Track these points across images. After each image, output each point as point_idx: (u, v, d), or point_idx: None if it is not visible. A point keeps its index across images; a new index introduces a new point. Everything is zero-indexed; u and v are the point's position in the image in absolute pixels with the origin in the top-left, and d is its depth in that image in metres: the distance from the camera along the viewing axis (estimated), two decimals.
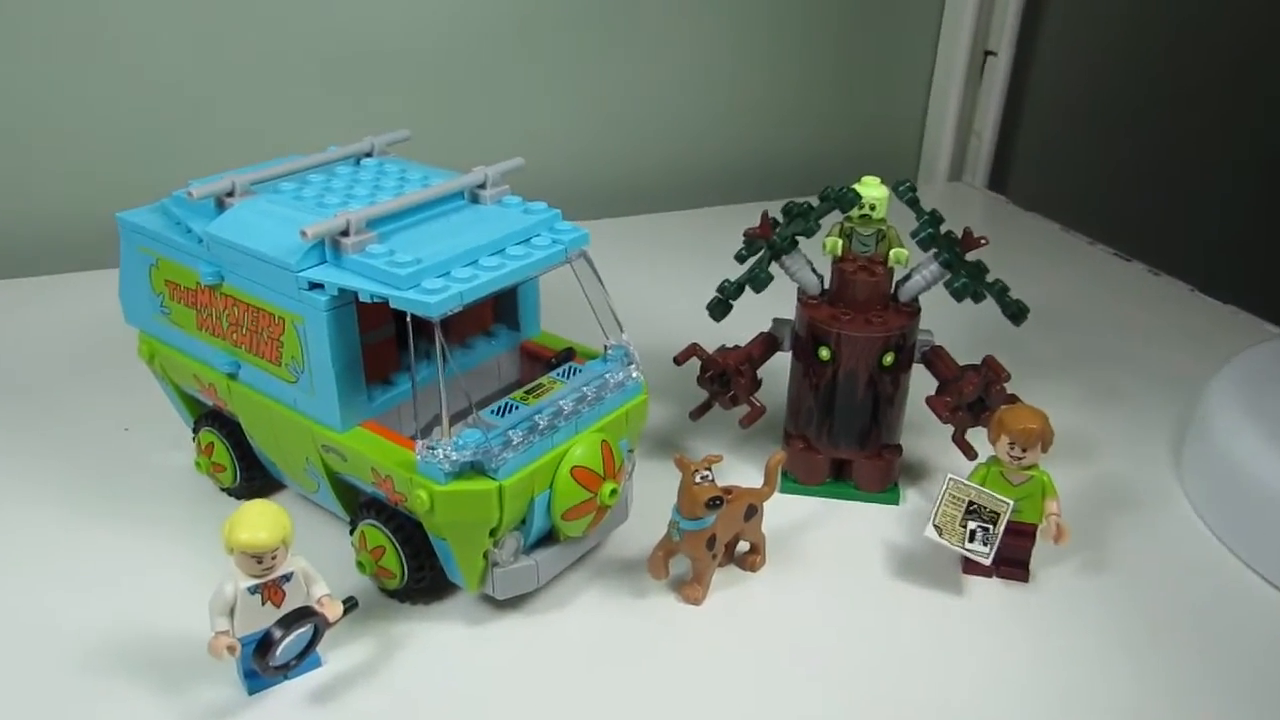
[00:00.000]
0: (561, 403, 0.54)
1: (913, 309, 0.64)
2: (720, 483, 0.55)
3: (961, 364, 0.65)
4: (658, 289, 0.93)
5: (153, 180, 0.73)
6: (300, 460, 0.58)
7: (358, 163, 0.63)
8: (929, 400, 0.63)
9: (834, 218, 0.64)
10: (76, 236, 0.95)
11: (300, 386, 0.55)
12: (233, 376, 0.59)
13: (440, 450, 0.50)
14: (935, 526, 0.58)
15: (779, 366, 0.68)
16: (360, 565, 0.56)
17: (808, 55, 1.22)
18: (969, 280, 0.62)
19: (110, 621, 0.55)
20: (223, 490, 0.66)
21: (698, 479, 0.54)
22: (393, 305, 0.50)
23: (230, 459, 0.63)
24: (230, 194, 0.57)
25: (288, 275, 0.52)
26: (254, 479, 0.64)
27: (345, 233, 0.52)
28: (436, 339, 0.50)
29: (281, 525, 0.48)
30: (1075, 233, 1.16)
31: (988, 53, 1.26)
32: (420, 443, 0.51)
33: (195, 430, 0.65)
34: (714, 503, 0.54)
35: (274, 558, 0.48)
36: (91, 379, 0.78)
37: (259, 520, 0.47)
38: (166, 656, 0.53)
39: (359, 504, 0.57)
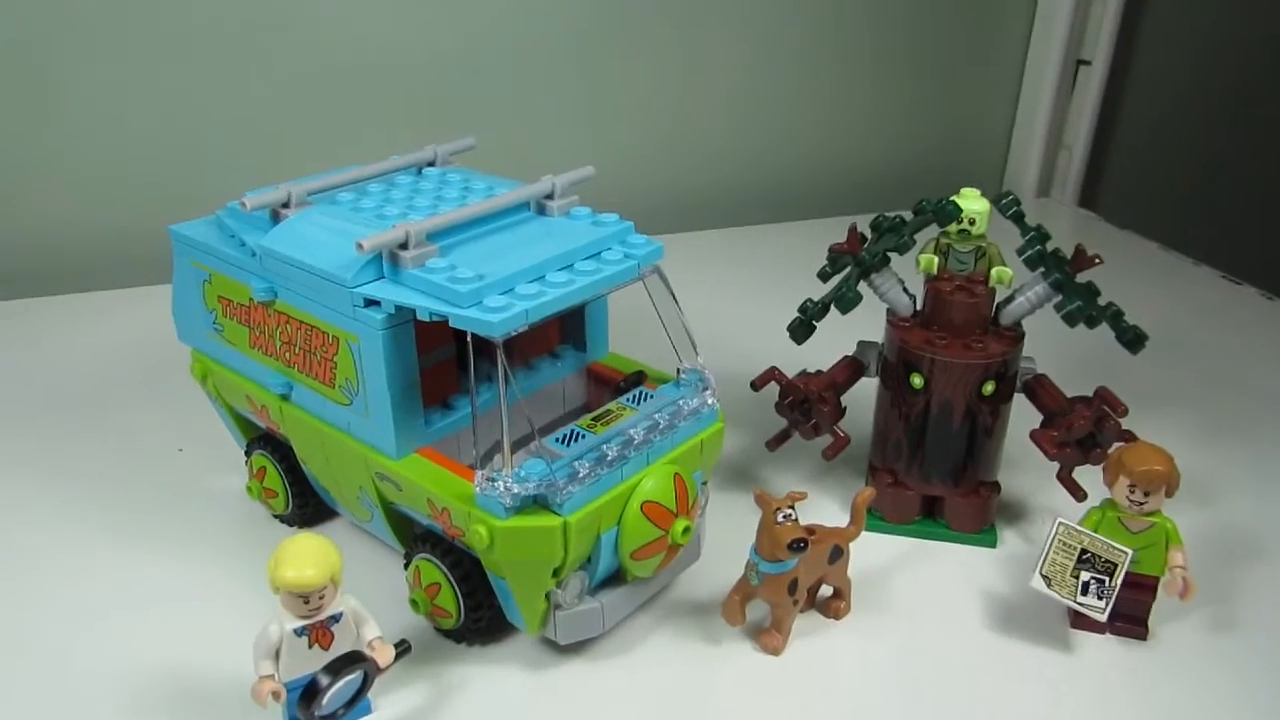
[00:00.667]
0: (632, 431, 0.50)
1: (1015, 334, 0.59)
2: (801, 521, 0.51)
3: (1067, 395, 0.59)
4: (732, 308, 0.88)
5: (216, 194, 0.71)
6: (354, 488, 0.55)
7: (419, 172, 0.60)
8: (1034, 435, 0.58)
9: (929, 233, 0.59)
10: (135, 250, 0.94)
11: (354, 410, 0.52)
12: (285, 398, 0.56)
13: (501, 482, 0.46)
14: (1043, 576, 0.52)
15: (864, 394, 0.63)
16: (414, 603, 0.53)
17: (888, 63, 1.17)
18: (1083, 303, 0.56)
19: (151, 659, 0.52)
20: (274, 517, 0.63)
21: (779, 518, 0.49)
22: (453, 324, 0.46)
23: (283, 484, 0.60)
24: (286, 205, 0.54)
25: (342, 291, 0.49)
26: (306, 506, 0.61)
27: (404, 245, 0.48)
28: (499, 361, 0.46)
29: (330, 562, 0.44)
30: (1176, 253, 1.09)
31: (1081, 61, 1.19)
32: (479, 473, 0.47)
33: (248, 453, 0.63)
34: (798, 545, 0.49)
35: (321, 597, 0.45)
36: (147, 397, 0.76)
37: (306, 556, 0.44)
38: (208, 698, 0.50)
39: (414, 536, 0.53)
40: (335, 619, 0.46)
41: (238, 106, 0.96)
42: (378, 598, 0.53)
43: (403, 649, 0.47)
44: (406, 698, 0.50)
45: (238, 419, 0.63)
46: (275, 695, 0.45)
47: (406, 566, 0.53)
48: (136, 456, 0.69)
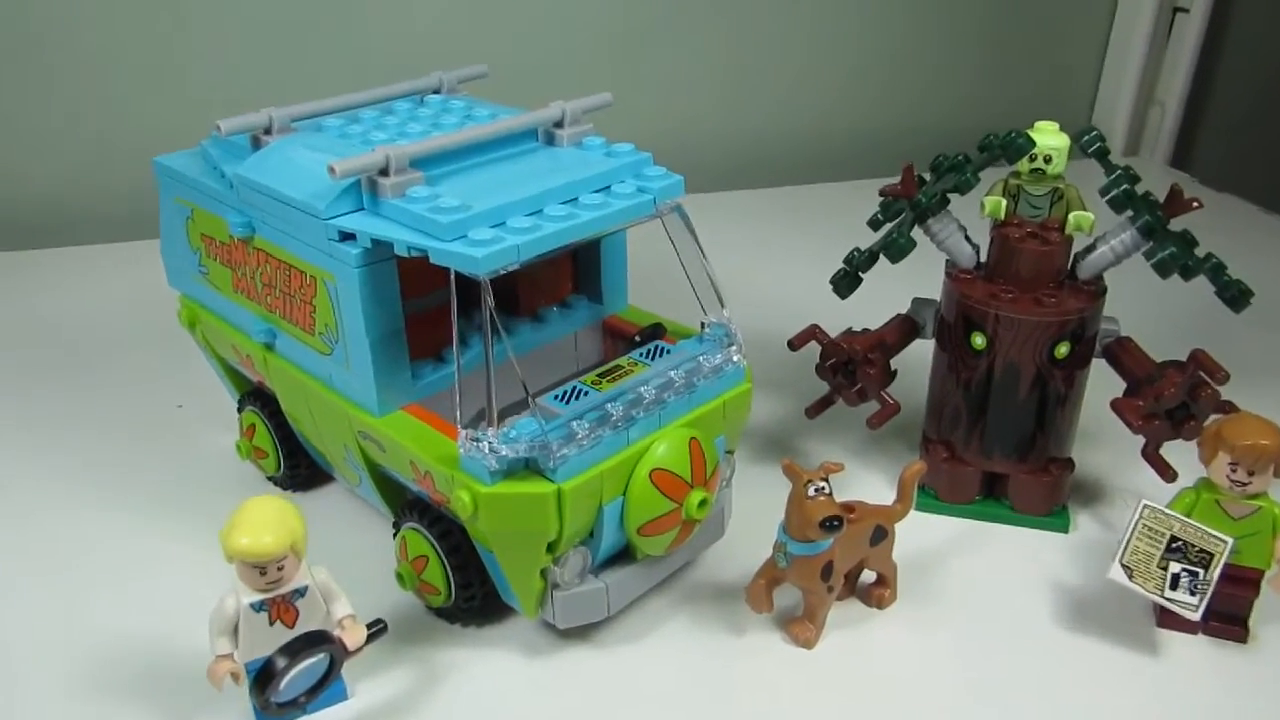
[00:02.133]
0: (642, 389, 0.44)
1: (1096, 289, 0.51)
2: (840, 497, 0.44)
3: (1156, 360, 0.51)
4: (772, 266, 0.81)
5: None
6: (339, 447, 0.49)
7: (421, 101, 0.54)
8: (1116, 404, 0.50)
9: (994, 175, 0.52)
10: (146, 205, 0.89)
11: (334, 360, 0.46)
12: (269, 347, 0.51)
13: (485, 442, 0.40)
14: (1124, 566, 0.45)
15: (916, 356, 0.56)
16: (400, 577, 0.47)
17: (960, 8, 1.07)
18: (1177, 250, 0.48)
19: (120, 632, 0.48)
20: (268, 479, 0.58)
21: (811, 492, 0.43)
22: (432, 260, 0.40)
23: (273, 443, 0.55)
24: (268, 131, 0.48)
25: (316, 223, 0.43)
26: (298, 467, 0.56)
27: (384, 171, 0.42)
28: (484, 304, 0.40)
29: (289, 528, 0.39)
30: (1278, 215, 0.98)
31: (1177, 9, 1.08)
32: (463, 433, 0.41)
33: (239, 409, 0.58)
34: (831, 523, 0.42)
35: (281, 568, 0.39)
36: (149, 351, 0.72)
37: (262, 522, 0.39)
38: (175, 677, 0.45)
39: (403, 503, 0.48)
40: (300, 593, 0.40)
41: (248, 37, 0.91)
42: (370, 571, 0.49)
43: (376, 629, 0.42)
44: (388, 684, 0.45)
45: (229, 371, 0.58)
46: (234, 676, 0.40)
47: (395, 536, 0.48)
48: (134, 413, 0.65)
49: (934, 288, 0.55)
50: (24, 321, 0.77)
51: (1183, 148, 1.14)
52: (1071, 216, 0.50)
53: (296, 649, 0.40)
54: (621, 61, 1.00)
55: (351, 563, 0.47)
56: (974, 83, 1.12)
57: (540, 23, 0.97)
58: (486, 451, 0.40)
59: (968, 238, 0.53)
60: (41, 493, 0.57)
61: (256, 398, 0.56)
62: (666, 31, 1.00)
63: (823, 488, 0.43)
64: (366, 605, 0.43)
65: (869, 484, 0.57)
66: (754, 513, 0.50)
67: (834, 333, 0.55)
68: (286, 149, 0.47)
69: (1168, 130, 1.13)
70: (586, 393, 0.43)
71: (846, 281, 0.54)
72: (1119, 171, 0.50)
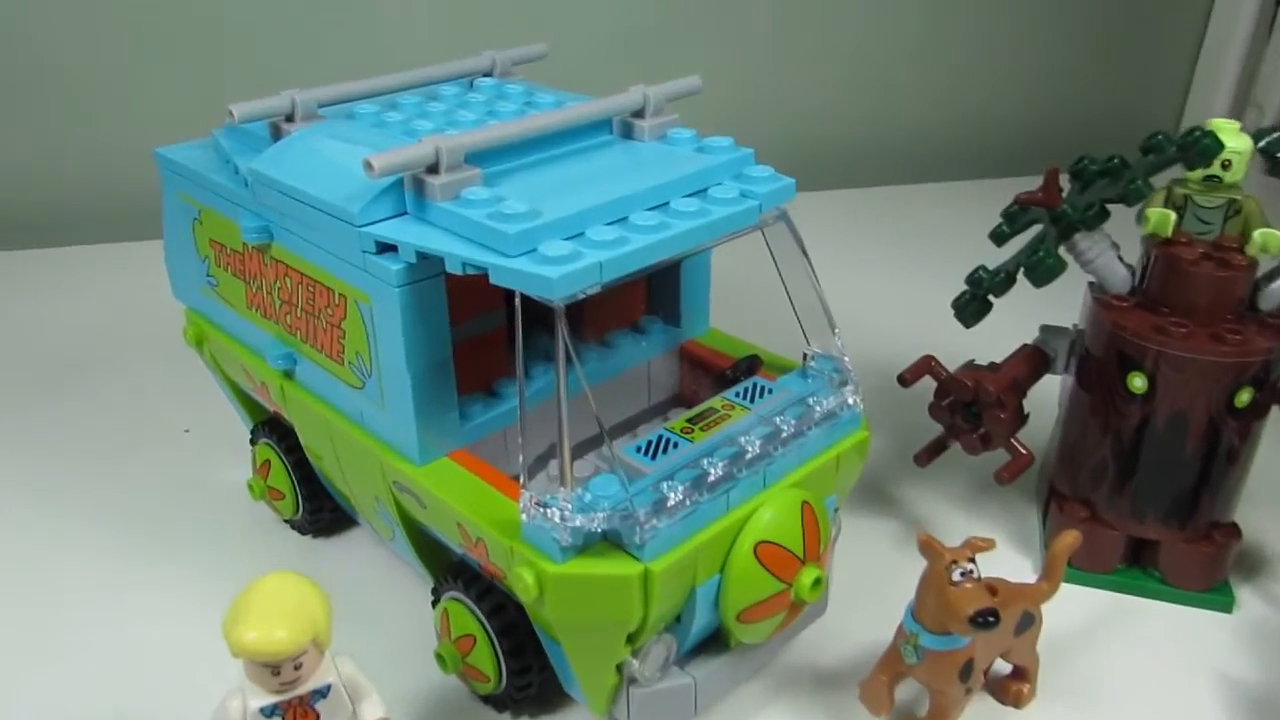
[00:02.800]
0: (743, 440, 0.35)
1: None
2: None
3: None
4: (867, 280, 0.72)
5: None
6: (370, 498, 0.41)
7: (471, 85, 0.46)
8: None
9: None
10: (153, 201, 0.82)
11: (367, 395, 0.38)
12: (288, 375, 0.43)
13: (557, 509, 0.32)
14: None
15: (1039, 394, 0.47)
16: (440, 659, 0.39)
17: (1037, 4, 0.99)
18: None
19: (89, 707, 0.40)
20: (285, 522, 0.50)
21: (956, 575, 0.34)
22: (493, 280, 0.32)
23: (290, 483, 0.47)
24: (290, 118, 0.40)
25: (348, 231, 0.35)
26: (320, 511, 0.48)
27: (434, 169, 0.34)
28: (558, 334, 0.32)
29: (309, 617, 0.31)
30: None
31: None
32: (526, 494, 0.33)
33: (252, 441, 0.50)
34: (985, 620, 0.34)
35: (298, 666, 0.31)
36: (159, 365, 0.64)
37: (274, 610, 0.31)
38: None
39: (446, 566, 0.40)
40: (321, 693, 0.32)
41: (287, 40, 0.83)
42: (406, 640, 0.42)
43: None
44: None
45: (242, 396, 0.50)
46: None
47: (435, 605, 0.40)
48: (136, 437, 0.58)
49: (1062, 311, 0.47)
50: (10, 329, 0.69)
51: None
52: (1258, 235, 0.41)
53: None
54: (661, 46, 0.91)
55: (383, 630, 0.41)
56: (1049, 82, 1.03)
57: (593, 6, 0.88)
58: (557, 520, 0.32)
59: (1121, 258, 0.44)
60: (12, 532, 0.50)
61: (272, 429, 0.48)
62: (715, 16, 0.91)
63: (970, 570, 0.35)
64: (400, 688, 0.36)
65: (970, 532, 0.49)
66: (855, 575, 0.42)
67: (947, 362, 0.47)
68: (312, 140, 0.39)
69: None
70: (676, 444, 0.35)
71: (974, 307, 0.46)
72: None
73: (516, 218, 0.32)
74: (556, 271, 0.31)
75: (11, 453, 0.56)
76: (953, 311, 0.47)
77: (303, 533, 0.49)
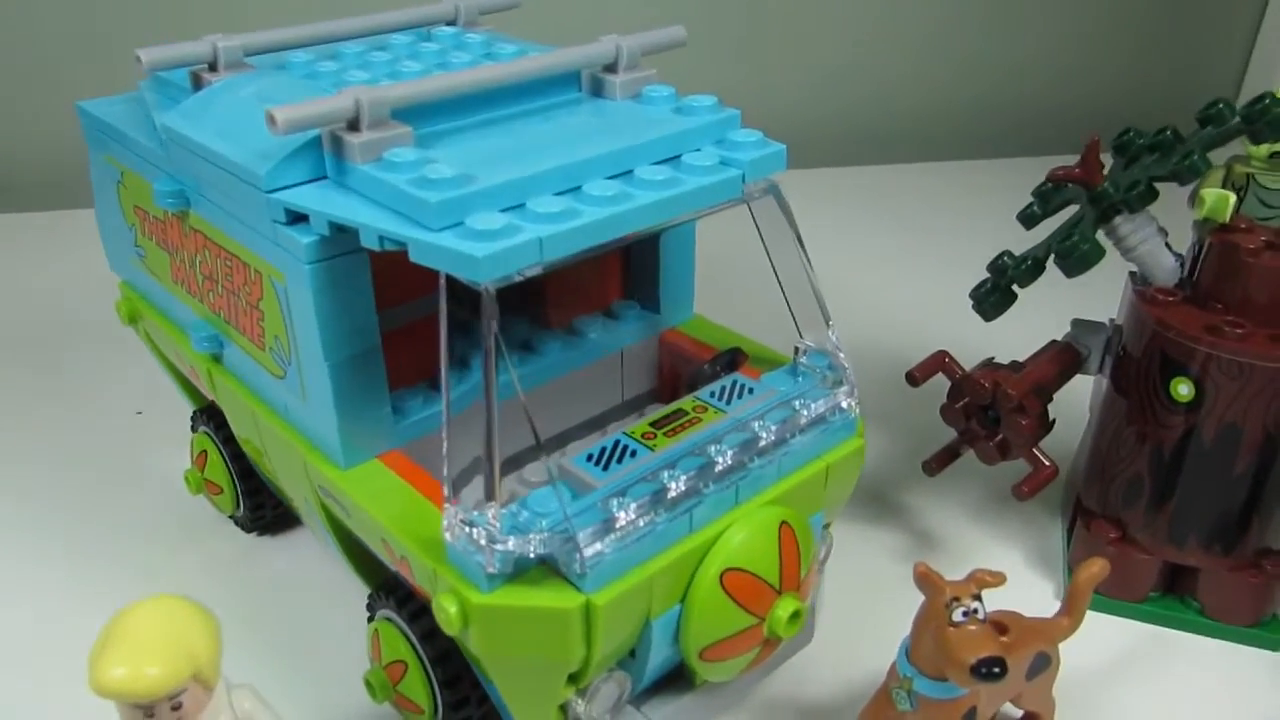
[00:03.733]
0: (713, 449, 0.30)
1: None
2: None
3: None
4: (877, 266, 0.66)
5: None
6: (300, 500, 0.37)
7: (429, 35, 0.41)
8: None
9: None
10: None
11: (288, 385, 0.33)
12: (215, 359, 0.38)
13: (483, 529, 0.27)
14: None
15: (1068, 396, 0.42)
16: (369, 687, 0.34)
17: None
18: None
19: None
20: (229, 518, 0.46)
21: (958, 615, 0.29)
22: (412, 256, 0.27)
23: (229, 478, 0.43)
24: (213, 68, 0.36)
25: (256, 197, 0.30)
26: (262, 508, 0.44)
27: (355, 125, 0.29)
28: (484, 325, 0.27)
29: (186, 651, 0.26)
30: None
31: None
32: (449, 510, 0.28)
33: (193, 428, 0.45)
34: (988, 670, 0.28)
35: (176, 707, 0.27)
36: (116, 340, 0.60)
37: (146, 642, 0.26)
38: None
39: (381, 582, 0.35)
40: None
41: None
42: (345, 659, 0.37)
43: None
44: None
45: (181, 378, 0.46)
46: None
47: (370, 621, 0.35)
48: (84, 419, 0.54)
49: (1095, 305, 0.41)
50: None
51: None
52: None
53: None
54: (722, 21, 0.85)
55: (321, 645, 0.37)
56: (1090, 46, 0.95)
57: None
58: (483, 543, 0.27)
59: (1168, 244, 0.38)
60: None
61: (210, 417, 0.44)
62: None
63: (973, 609, 0.30)
64: (328, 716, 0.31)
65: (995, 557, 0.44)
66: (847, 597, 0.37)
67: (962, 359, 0.41)
68: (231, 92, 0.34)
69: None
70: (634, 451, 0.30)
71: (995, 299, 0.40)
72: None
73: (441, 184, 0.27)
74: (484, 249, 0.26)
75: None
76: (971, 302, 0.41)
77: (246, 530, 0.45)
